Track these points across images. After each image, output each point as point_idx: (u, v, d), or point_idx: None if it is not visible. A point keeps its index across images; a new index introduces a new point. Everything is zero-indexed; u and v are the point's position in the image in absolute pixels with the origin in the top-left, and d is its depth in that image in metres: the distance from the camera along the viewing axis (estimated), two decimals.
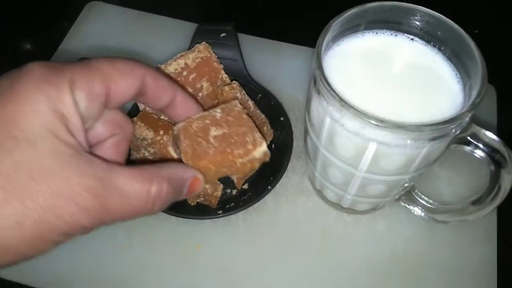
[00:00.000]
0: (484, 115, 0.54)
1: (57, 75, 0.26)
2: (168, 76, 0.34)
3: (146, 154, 0.45)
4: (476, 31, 0.65)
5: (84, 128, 0.27)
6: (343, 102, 0.33)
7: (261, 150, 0.33)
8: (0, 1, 0.67)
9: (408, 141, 0.33)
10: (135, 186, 0.27)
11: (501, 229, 0.47)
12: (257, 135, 0.34)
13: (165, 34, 0.60)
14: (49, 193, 0.24)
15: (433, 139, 0.33)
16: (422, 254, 0.46)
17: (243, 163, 0.33)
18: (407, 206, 0.46)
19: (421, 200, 0.46)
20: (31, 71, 0.25)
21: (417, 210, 0.46)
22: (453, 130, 0.34)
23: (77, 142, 0.26)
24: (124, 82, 0.29)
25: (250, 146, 0.33)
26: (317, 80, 0.35)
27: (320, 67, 0.35)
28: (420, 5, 0.39)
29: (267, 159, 0.34)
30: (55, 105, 0.25)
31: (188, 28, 0.57)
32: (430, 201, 0.45)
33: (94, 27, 0.62)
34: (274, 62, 0.58)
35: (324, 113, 0.36)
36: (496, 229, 0.47)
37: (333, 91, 0.34)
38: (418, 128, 0.32)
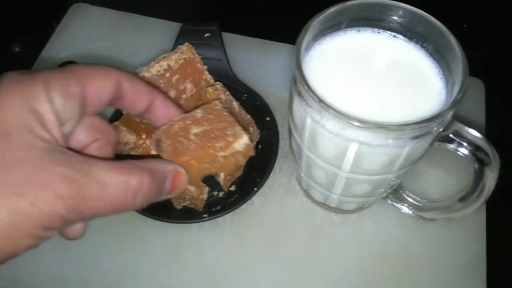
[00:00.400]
0: (472, 109, 0.54)
1: (32, 78, 0.26)
2: (147, 82, 0.33)
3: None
4: (465, 25, 0.66)
5: (60, 124, 0.27)
6: (322, 104, 0.33)
7: (242, 142, 0.33)
8: None
9: (390, 141, 0.33)
10: (114, 176, 0.26)
11: (490, 226, 0.46)
12: (238, 128, 0.33)
13: (150, 35, 0.60)
14: (23, 180, 0.24)
15: (415, 137, 0.33)
16: (411, 252, 0.46)
17: (226, 157, 0.33)
18: (395, 204, 0.46)
19: (408, 198, 0.45)
20: (6, 76, 0.26)
21: (405, 208, 0.45)
22: (435, 128, 0.34)
23: (52, 137, 0.26)
24: (99, 83, 0.29)
25: (230, 139, 0.32)
26: (297, 80, 0.35)
27: (299, 67, 0.34)
28: (408, 2, 0.38)
29: (251, 152, 0.34)
30: (29, 103, 0.25)
31: (173, 28, 0.56)
32: (418, 198, 0.45)
33: (79, 29, 0.61)
34: (260, 61, 0.58)
35: (305, 114, 0.35)
36: (485, 227, 0.46)
37: (312, 92, 0.33)
38: (399, 127, 0.32)
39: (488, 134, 0.51)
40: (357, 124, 0.31)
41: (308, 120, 0.35)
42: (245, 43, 0.59)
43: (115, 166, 0.27)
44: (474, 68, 0.55)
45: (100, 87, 0.29)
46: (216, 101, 0.36)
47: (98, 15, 0.63)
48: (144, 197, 0.28)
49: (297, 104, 0.36)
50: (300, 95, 0.35)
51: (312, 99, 0.33)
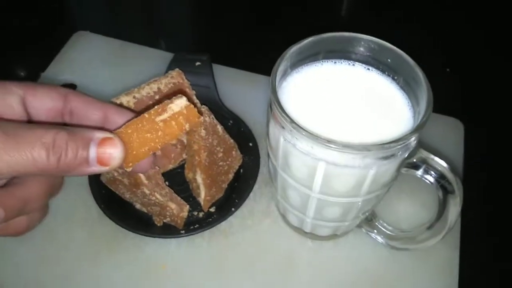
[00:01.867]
0: (451, 149, 0.55)
1: None
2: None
3: (115, 174, 0.46)
4: (448, 69, 0.69)
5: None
6: (294, 124, 0.35)
7: (179, 102, 0.31)
8: None
9: (356, 161, 0.35)
10: (30, 131, 0.27)
11: (463, 257, 0.47)
12: (179, 97, 0.32)
13: (145, 63, 0.63)
14: None
15: (380, 159, 0.35)
16: (385, 282, 0.46)
17: (166, 122, 0.31)
18: (369, 233, 0.47)
19: (382, 228, 0.47)
20: None
21: (379, 238, 0.47)
22: (400, 152, 0.35)
23: None
24: (42, 91, 0.32)
25: (168, 102, 0.31)
26: (272, 104, 0.37)
27: (274, 90, 0.37)
28: (397, 44, 0.40)
29: (195, 116, 0.32)
30: None
31: (168, 58, 0.59)
32: (390, 228, 0.46)
33: (80, 55, 0.65)
34: (247, 92, 0.60)
35: (279, 135, 0.37)
36: (458, 257, 0.47)
37: (285, 113, 0.35)
38: (364, 147, 0.33)
39: (466, 173, 0.53)
40: (325, 143, 0.33)
41: (281, 140, 0.37)
42: (234, 74, 0.62)
43: (36, 125, 0.28)
44: (454, 110, 0.58)
45: (42, 94, 0.32)
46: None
47: (99, 43, 0.66)
48: (63, 158, 0.27)
49: (272, 126, 0.38)
50: (274, 117, 0.37)
51: (285, 120, 0.35)
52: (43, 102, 0.32)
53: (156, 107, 0.31)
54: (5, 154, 0.26)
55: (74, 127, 0.29)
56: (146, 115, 0.31)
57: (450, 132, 0.58)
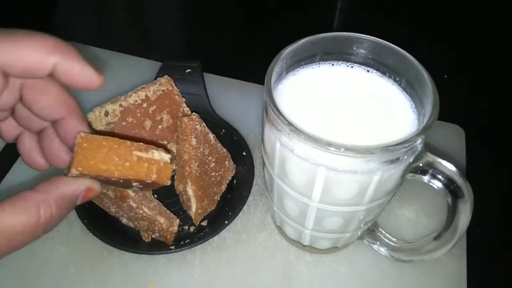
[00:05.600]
0: (452, 156, 0.53)
1: None
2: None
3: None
4: (446, 76, 0.67)
5: None
6: (291, 127, 0.32)
7: (164, 154, 0.31)
8: None
9: (359, 166, 0.32)
10: (22, 219, 0.26)
11: (471, 269, 0.45)
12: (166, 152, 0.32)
13: (134, 72, 0.60)
14: None
15: (385, 163, 0.32)
16: None
17: (140, 159, 0.30)
18: (371, 245, 0.44)
19: (385, 239, 0.44)
20: None
21: (382, 250, 0.44)
22: (405, 156, 0.33)
23: None
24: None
25: (154, 147, 0.31)
26: (267, 106, 0.34)
27: (269, 92, 0.34)
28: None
29: (165, 177, 0.32)
30: None
31: (157, 67, 0.57)
32: (394, 239, 0.44)
33: None
34: (240, 101, 0.58)
35: (275, 139, 0.35)
36: (465, 270, 0.44)
37: (282, 115, 0.33)
38: (368, 150, 0.31)
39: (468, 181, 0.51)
40: (325, 146, 0.31)
41: (278, 146, 0.35)
42: (225, 83, 0.60)
43: (21, 205, 0.26)
44: (454, 116, 0.56)
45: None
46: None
47: (85, 53, 0.63)
48: (54, 224, 0.28)
49: (267, 130, 0.36)
50: (270, 120, 0.35)
51: (282, 123, 0.33)
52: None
53: (141, 144, 0.31)
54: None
55: (63, 189, 0.29)
56: (128, 142, 0.30)
57: (452, 139, 0.56)
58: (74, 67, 0.29)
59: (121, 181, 0.31)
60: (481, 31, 0.76)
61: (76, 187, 0.29)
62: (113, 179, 0.30)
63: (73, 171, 0.29)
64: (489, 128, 0.61)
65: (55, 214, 0.28)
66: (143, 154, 0.30)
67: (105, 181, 0.31)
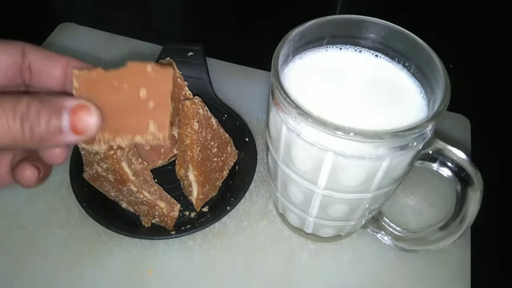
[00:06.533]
0: (457, 146, 0.52)
1: None
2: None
3: (99, 169, 0.42)
4: (451, 66, 0.66)
5: None
6: (299, 110, 0.31)
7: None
8: None
9: (368, 151, 0.31)
10: (2, 101, 0.25)
11: (475, 260, 0.44)
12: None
13: (134, 56, 0.59)
14: None
15: (394, 149, 0.31)
16: (392, 287, 0.43)
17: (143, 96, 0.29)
18: (375, 234, 0.44)
19: (389, 228, 0.43)
20: None
21: (386, 239, 0.43)
22: (415, 143, 0.32)
23: None
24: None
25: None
26: (274, 89, 0.33)
27: (276, 75, 0.33)
28: None
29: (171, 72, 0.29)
30: None
31: (158, 50, 0.56)
32: (398, 228, 0.43)
33: (64, 46, 0.61)
34: (243, 86, 0.57)
35: (281, 123, 0.34)
36: (469, 260, 0.44)
37: (289, 98, 0.32)
38: (377, 135, 0.30)
39: None
40: (334, 130, 0.30)
41: (284, 130, 0.34)
42: (228, 68, 0.59)
43: (7, 95, 0.26)
44: (460, 106, 0.55)
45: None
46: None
47: (85, 34, 0.62)
48: (36, 128, 0.26)
49: (273, 114, 0.35)
50: (276, 103, 0.34)
51: (289, 105, 0.32)
52: (1, 59, 0.29)
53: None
54: None
55: (46, 95, 0.27)
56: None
57: (457, 129, 0.55)
58: None
59: (126, 86, 0.29)
60: (487, 20, 0.75)
61: (66, 98, 0.27)
62: (115, 83, 0.29)
63: (73, 71, 0.28)
64: (495, 118, 0.60)
65: (35, 108, 0.26)
66: (144, 92, 0.29)
67: (107, 101, 0.29)
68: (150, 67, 0.29)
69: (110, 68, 0.29)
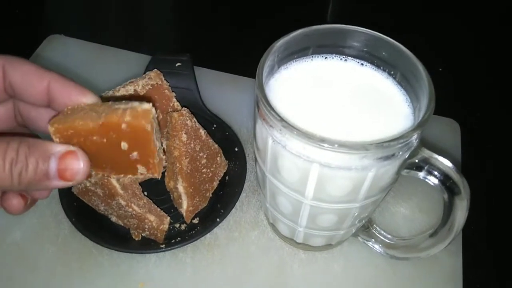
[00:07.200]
0: (448, 150, 0.53)
1: None
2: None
3: (88, 184, 0.42)
4: (440, 69, 0.67)
5: None
6: (283, 122, 0.31)
7: (145, 103, 0.29)
8: None
9: (353, 162, 0.31)
10: None
11: (467, 265, 0.44)
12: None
13: (123, 67, 0.59)
14: None
15: (380, 160, 0.31)
16: None
17: (117, 108, 0.29)
18: (366, 242, 0.44)
19: (379, 236, 0.43)
20: None
21: (377, 247, 0.43)
22: (401, 152, 0.32)
23: None
24: None
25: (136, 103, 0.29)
26: (259, 101, 0.33)
27: (260, 86, 0.33)
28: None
29: (149, 117, 0.29)
30: None
31: (146, 60, 0.56)
32: (389, 236, 0.43)
33: (53, 58, 0.61)
34: (231, 95, 0.57)
35: (267, 135, 0.34)
36: (461, 266, 0.44)
37: (274, 111, 0.32)
38: (362, 146, 0.30)
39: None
40: (319, 142, 0.30)
41: (270, 141, 0.34)
42: (216, 77, 0.59)
43: None
44: (449, 110, 0.55)
45: None
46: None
47: (73, 46, 0.62)
48: (24, 172, 0.26)
49: (259, 126, 0.35)
50: (261, 115, 0.34)
51: (274, 118, 0.32)
52: None
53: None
54: None
55: (36, 140, 0.28)
56: (111, 102, 0.30)
57: (447, 133, 0.55)
58: None
59: (105, 140, 0.29)
60: (476, 24, 0.75)
61: (54, 145, 0.28)
62: (94, 138, 0.29)
63: (49, 128, 0.28)
64: (485, 121, 0.61)
65: (24, 154, 0.26)
66: (121, 105, 0.29)
67: (91, 150, 0.29)
68: (124, 125, 0.28)
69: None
